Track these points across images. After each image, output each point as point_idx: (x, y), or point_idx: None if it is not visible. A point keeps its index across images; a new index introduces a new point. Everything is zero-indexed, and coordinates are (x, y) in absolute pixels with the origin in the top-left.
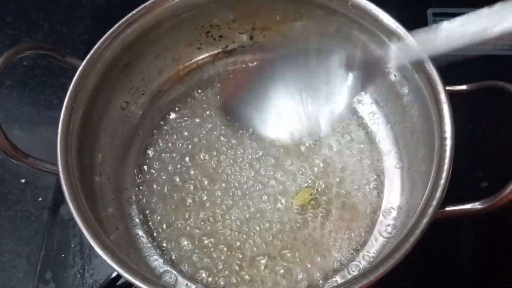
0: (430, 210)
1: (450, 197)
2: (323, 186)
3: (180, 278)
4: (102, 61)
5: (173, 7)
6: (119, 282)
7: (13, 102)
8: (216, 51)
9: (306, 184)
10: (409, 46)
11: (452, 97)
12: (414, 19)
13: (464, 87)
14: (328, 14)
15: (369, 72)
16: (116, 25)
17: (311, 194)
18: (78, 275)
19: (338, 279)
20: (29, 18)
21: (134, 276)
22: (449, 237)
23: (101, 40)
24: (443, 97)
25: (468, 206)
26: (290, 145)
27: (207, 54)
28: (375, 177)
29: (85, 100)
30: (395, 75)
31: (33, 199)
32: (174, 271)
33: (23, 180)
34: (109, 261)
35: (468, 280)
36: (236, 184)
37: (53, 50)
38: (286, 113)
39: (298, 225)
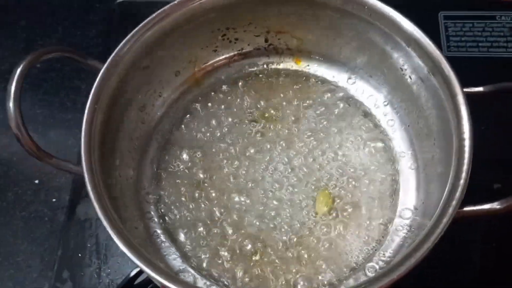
0: (450, 209)
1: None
2: (339, 187)
3: (198, 277)
4: (123, 64)
5: (191, 12)
6: (137, 281)
7: (27, 104)
8: (231, 54)
9: (321, 187)
10: (427, 49)
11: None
12: (425, 22)
13: (481, 88)
14: (344, 17)
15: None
16: (137, 28)
17: (330, 198)
18: (95, 275)
19: (354, 281)
20: (43, 21)
21: (160, 274)
22: (460, 238)
23: (122, 42)
24: (460, 99)
25: (486, 206)
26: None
27: (223, 57)
28: (391, 178)
29: (106, 102)
30: (410, 77)
31: (47, 200)
32: (192, 271)
33: (36, 181)
34: (135, 259)
35: (478, 283)
36: (254, 185)
37: (74, 52)
38: None
39: (313, 226)
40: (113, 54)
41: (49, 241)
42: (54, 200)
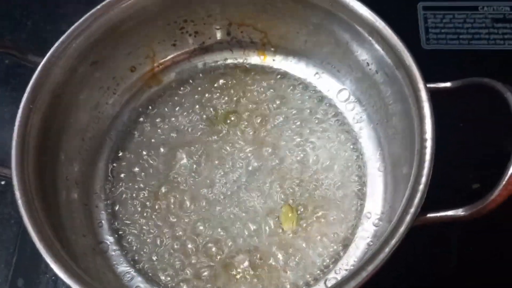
0: (408, 218)
1: (437, 200)
2: (303, 190)
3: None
4: (65, 59)
5: (140, 2)
6: None
7: None
8: (192, 48)
9: (286, 196)
10: (389, 40)
11: (440, 95)
12: (403, 13)
13: (448, 84)
14: (306, 8)
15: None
16: (80, 21)
17: (294, 212)
18: (51, 282)
19: None
20: (12, 16)
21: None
22: (436, 242)
23: (63, 36)
24: (423, 95)
25: (450, 212)
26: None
27: (182, 51)
28: (357, 180)
29: (47, 101)
30: (376, 72)
31: (13, 202)
32: (142, 279)
33: (3, 182)
34: (60, 273)
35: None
36: (213, 192)
37: (12, 48)
38: None
39: (274, 233)
40: (52, 50)
41: (15, 245)
42: None
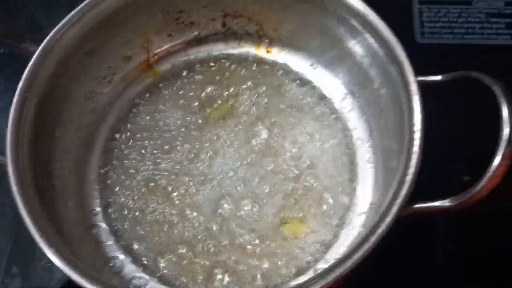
0: (394, 208)
1: (428, 192)
2: (293, 180)
3: (143, 275)
4: (60, 48)
5: None
6: None
7: None
8: (188, 39)
9: (280, 192)
10: (382, 33)
11: (431, 88)
12: (399, 7)
13: (438, 77)
14: (299, 1)
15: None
16: (75, 10)
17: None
18: (46, 269)
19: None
20: (6, 6)
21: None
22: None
23: (58, 26)
24: (413, 89)
25: (437, 203)
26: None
27: (178, 41)
28: (348, 171)
29: (41, 89)
30: (370, 65)
31: (8, 189)
32: (137, 267)
33: None
34: (55, 260)
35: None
36: (207, 179)
37: (7, 36)
38: None
39: (261, 226)
40: (47, 39)
41: (10, 233)
42: None
